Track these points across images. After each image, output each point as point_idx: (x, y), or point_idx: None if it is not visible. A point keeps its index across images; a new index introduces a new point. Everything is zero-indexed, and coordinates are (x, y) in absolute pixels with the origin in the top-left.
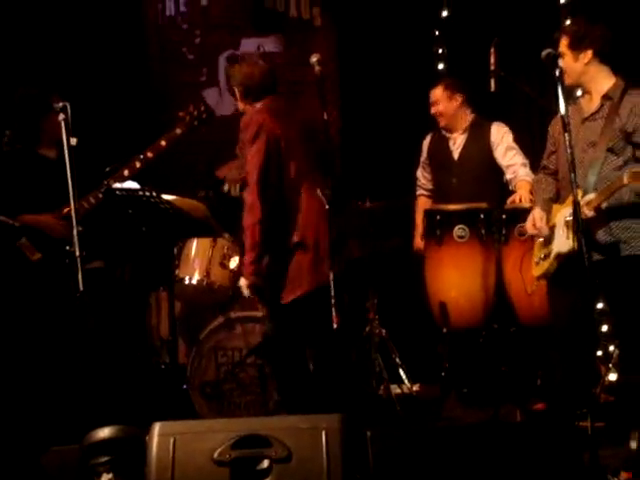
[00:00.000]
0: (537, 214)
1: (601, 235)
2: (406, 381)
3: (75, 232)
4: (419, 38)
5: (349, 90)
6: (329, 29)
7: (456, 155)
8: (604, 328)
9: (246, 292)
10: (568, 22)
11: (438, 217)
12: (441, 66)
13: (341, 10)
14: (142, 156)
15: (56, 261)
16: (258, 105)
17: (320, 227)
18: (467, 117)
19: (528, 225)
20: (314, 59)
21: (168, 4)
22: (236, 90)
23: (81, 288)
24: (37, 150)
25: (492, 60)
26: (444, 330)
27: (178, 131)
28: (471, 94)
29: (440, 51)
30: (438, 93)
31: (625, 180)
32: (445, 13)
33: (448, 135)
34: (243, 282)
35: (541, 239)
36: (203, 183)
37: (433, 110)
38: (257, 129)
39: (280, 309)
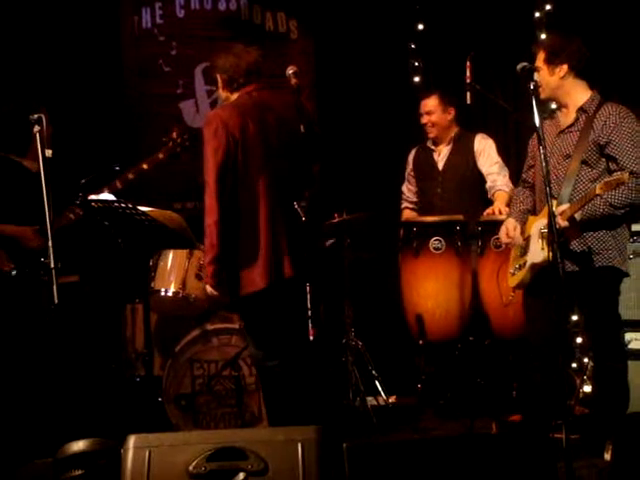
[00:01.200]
0: (510, 224)
1: (575, 246)
2: (382, 393)
3: (50, 244)
4: (395, 51)
5: (326, 102)
6: (306, 42)
7: (440, 165)
8: (578, 340)
9: (209, 290)
10: (543, 36)
11: (414, 229)
12: (417, 79)
13: (318, 23)
14: (122, 177)
15: (30, 273)
16: (235, 96)
17: (279, 227)
18: (454, 130)
19: (501, 234)
20: (290, 71)
21: (144, 16)
22: (219, 78)
23: (56, 301)
24: (21, 162)
25: (468, 73)
26: (420, 342)
27: (160, 156)
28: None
29: (416, 64)
30: (433, 104)
31: (597, 190)
32: (421, 26)
33: (433, 147)
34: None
35: (517, 250)
36: (184, 195)
37: (425, 120)
38: (216, 127)
39: (240, 303)
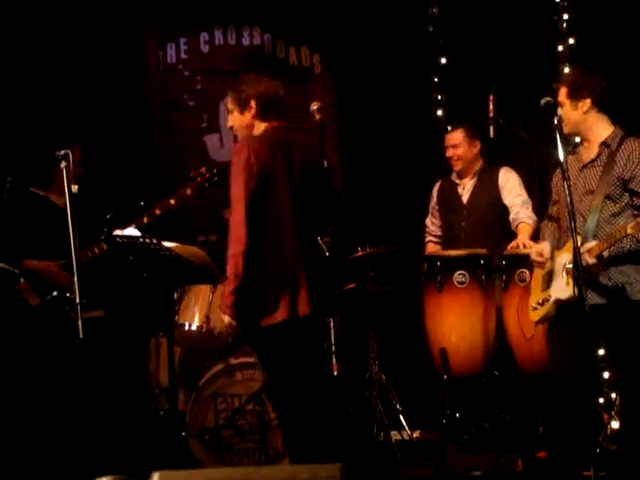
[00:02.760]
0: (546, 247)
1: (600, 280)
2: (406, 427)
3: (76, 279)
4: (418, 84)
5: (349, 136)
6: (329, 76)
7: (465, 199)
8: (606, 375)
9: (226, 320)
10: (566, 70)
11: (438, 262)
12: (439, 112)
13: (341, 57)
14: (149, 212)
15: (56, 308)
16: (262, 126)
17: (302, 261)
18: (479, 163)
19: (534, 252)
20: (314, 107)
21: (169, 51)
22: (252, 102)
23: (81, 336)
24: (48, 197)
25: (491, 107)
26: (444, 376)
27: (188, 191)
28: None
29: (438, 97)
30: (459, 137)
31: (629, 230)
32: (443, 60)
33: (457, 181)
34: (225, 319)
35: (539, 284)
36: (208, 228)
37: (450, 153)
38: (247, 157)
39: (259, 335)
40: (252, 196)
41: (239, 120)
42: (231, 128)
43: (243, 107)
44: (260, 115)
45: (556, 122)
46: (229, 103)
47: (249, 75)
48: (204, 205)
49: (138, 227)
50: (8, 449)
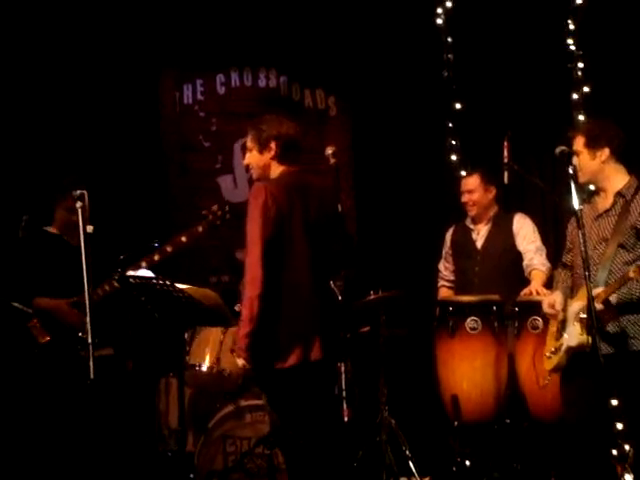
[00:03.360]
0: (558, 297)
1: (611, 328)
2: (416, 474)
3: (88, 319)
4: (432, 129)
5: (364, 179)
6: (344, 119)
7: (479, 244)
8: (619, 426)
9: (240, 363)
10: (580, 118)
11: (451, 308)
12: (454, 157)
13: (356, 100)
14: (161, 249)
15: (66, 346)
16: (279, 169)
17: (315, 306)
18: (494, 209)
19: (546, 304)
20: (329, 151)
21: (186, 92)
22: (273, 144)
23: (92, 376)
24: (62, 236)
25: (505, 153)
26: (455, 423)
27: (200, 229)
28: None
29: (453, 142)
30: (475, 182)
31: (631, 274)
32: (458, 105)
33: (472, 226)
34: (238, 361)
35: (553, 333)
36: (220, 269)
37: (466, 198)
38: (265, 199)
39: (270, 378)
40: (268, 239)
41: (257, 159)
42: (247, 166)
43: (263, 147)
44: (279, 157)
45: (571, 171)
46: (249, 141)
47: (272, 115)
48: (217, 245)
49: (149, 265)
50: None
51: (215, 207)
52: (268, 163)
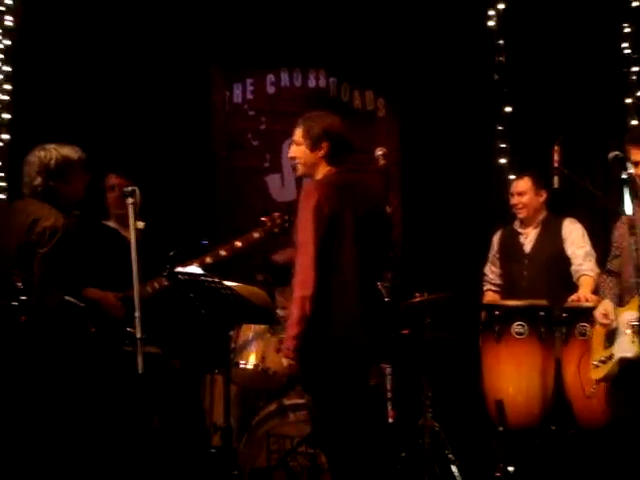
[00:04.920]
0: (609, 306)
1: None
2: (458, 478)
3: (137, 314)
4: (481, 132)
5: (411, 180)
6: (393, 120)
7: (528, 248)
8: None
9: (285, 363)
10: (633, 122)
11: (497, 312)
12: (503, 161)
13: (405, 102)
14: (215, 253)
15: (110, 339)
16: (327, 169)
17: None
18: (543, 213)
19: (598, 313)
20: (379, 152)
21: (235, 91)
22: (325, 144)
23: (140, 371)
24: (118, 230)
25: (556, 157)
26: (500, 428)
27: (256, 235)
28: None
29: (502, 146)
30: (526, 185)
31: None
32: (508, 109)
33: (520, 229)
34: (284, 361)
35: (600, 341)
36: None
37: (516, 201)
38: (318, 200)
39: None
40: (321, 240)
41: (306, 156)
42: (292, 158)
43: (315, 145)
44: (328, 157)
45: (625, 176)
46: (298, 135)
47: (324, 112)
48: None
49: (201, 266)
50: None
51: (275, 214)
52: (317, 162)
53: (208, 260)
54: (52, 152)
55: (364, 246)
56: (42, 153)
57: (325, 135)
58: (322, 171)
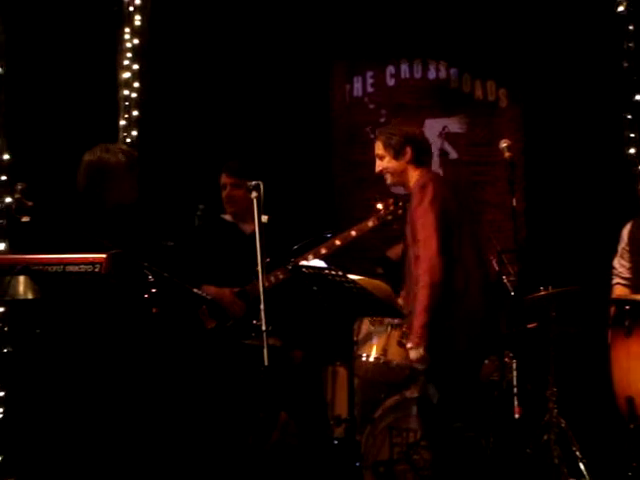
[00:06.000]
0: None
1: None
2: (587, 477)
3: (262, 307)
4: (609, 121)
5: (535, 172)
6: (515, 111)
7: None
8: None
9: (413, 355)
10: None
11: (627, 307)
12: (632, 151)
13: (528, 91)
14: (330, 243)
15: (231, 333)
16: (417, 172)
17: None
18: None
19: None
20: (504, 144)
21: (356, 85)
22: (409, 149)
23: (266, 363)
24: (237, 224)
25: None
26: (631, 426)
27: (370, 224)
28: None
29: (631, 135)
30: None
31: None
32: (638, 97)
33: None
34: (412, 352)
35: None
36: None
37: None
38: (435, 194)
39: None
40: (443, 230)
41: (393, 165)
42: (380, 172)
43: (398, 152)
44: (414, 161)
45: None
46: (379, 149)
47: (399, 119)
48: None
49: (317, 257)
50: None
51: (389, 201)
52: (404, 168)
53: (323, 251)
54: (96, 156)
55: (476, 237)
56: (89, 157)
57: (406, 141)
58: (413, 175)
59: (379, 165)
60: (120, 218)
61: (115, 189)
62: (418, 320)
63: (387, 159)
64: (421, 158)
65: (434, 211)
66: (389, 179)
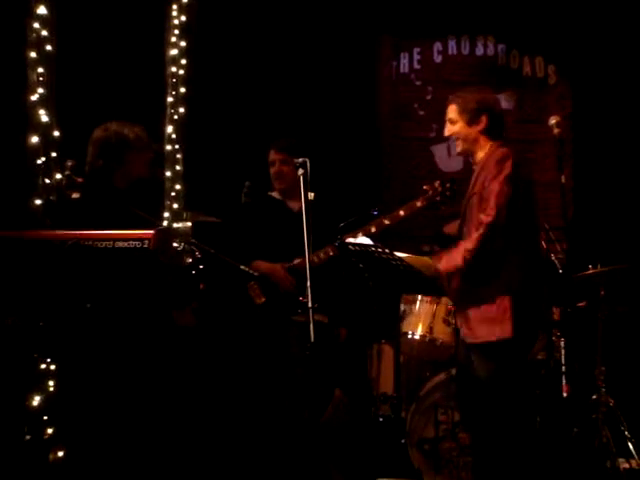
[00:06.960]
0: None
1: None
2: (636, 456)
3: (309, 284)
4: None
5: (584, 149)
6: (564, 87)
7: None
8: None
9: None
10: None
11: None
12: None
13: (577, 67)
14: (379, 222)
15: (280, 309)
16: (489, 143)
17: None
18: None
19: None
20: (553, 121)
21: (402, 61)
22: (484, 118)
23: (312, 339)
24: (285, 202)
25: None
26: None
27: (418, 204)
28: None
29: None
30: None
31: None
32: None
33: None
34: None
35: None
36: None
37: None
38: (513, 168)
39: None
40: (512, 201)
41: (465, 131)
42: (449, 137)
43: (472, 119)
44: (488, 131)
45: None
46: (453, 112)
47: (479, 87)
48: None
49: (366, 235)
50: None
51: (437, 183)
52: (477, 137)
53: (373, 229)
54: (111, 131)
55: (537, 224)
56: (102, 133)
57: (483, 108)
58: (484, 145)
59: (449, 130)
60: (143, 192)
61: (137, 162)
62: (462, 245)
63: (460, 124)
64: (495, 130)
65: (509, 186)
66: (460, 146)
